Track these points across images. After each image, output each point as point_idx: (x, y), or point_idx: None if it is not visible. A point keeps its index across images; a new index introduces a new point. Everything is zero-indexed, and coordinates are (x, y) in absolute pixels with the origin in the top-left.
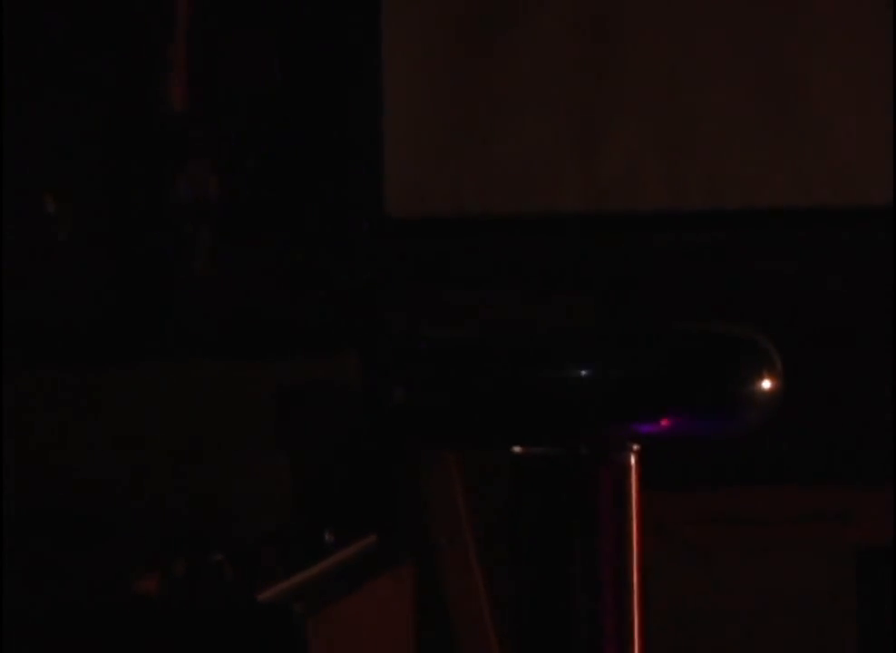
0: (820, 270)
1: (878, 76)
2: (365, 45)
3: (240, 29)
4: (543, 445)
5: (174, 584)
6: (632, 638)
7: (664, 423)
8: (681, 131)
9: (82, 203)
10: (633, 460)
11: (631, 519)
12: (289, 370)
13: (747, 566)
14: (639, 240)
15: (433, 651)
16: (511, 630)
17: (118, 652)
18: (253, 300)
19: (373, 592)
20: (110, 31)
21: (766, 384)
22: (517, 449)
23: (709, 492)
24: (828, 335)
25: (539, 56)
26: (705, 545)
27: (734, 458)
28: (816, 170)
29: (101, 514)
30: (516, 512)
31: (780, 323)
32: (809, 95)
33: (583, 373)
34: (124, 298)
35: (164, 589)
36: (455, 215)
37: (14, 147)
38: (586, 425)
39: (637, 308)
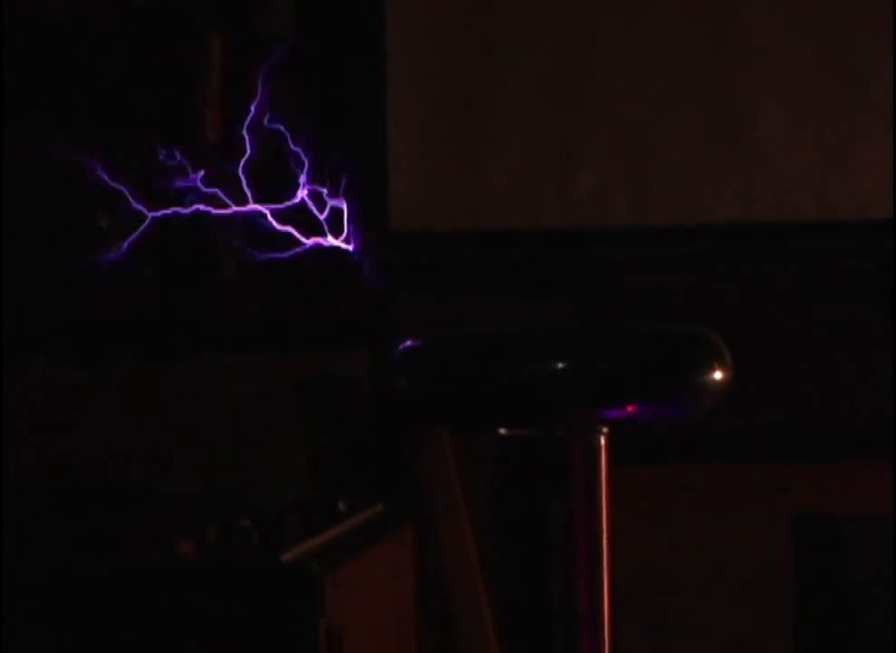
0: (763, 276)
1: (809, 114)
2: (374, 94)
3: (265, 72)
4: (525, 428)
5: (208, 547)
6: (602, 593)
7: (629, 409)
8: (642, 160)
9: (132, 219)
10: (602, 441)
11: (601, 491)
12: (307, 364)
13: (699, 531)
14: (607, 252)
15: (431, 603)
16: (498, 586)
17: (161, 606)
18: (276, 304)
19: (379, 553)
20: (158, 76)
21: (717, 374)
22: (502, 431)
23: (668, 467)
24: (772, 331)
25: (522, 99)
26: (663, 513)
27: (689, 437)
28: (758, 192)
29: (146, 487)
30: (501, 486)
31: (728, 322)
32: (751, 129)
33: (559, 366)
34: (166, 302)
35: (200, 551)
36: (450, 230)
37: (72, 171)
38: (562, 411)
39: (606, 311)
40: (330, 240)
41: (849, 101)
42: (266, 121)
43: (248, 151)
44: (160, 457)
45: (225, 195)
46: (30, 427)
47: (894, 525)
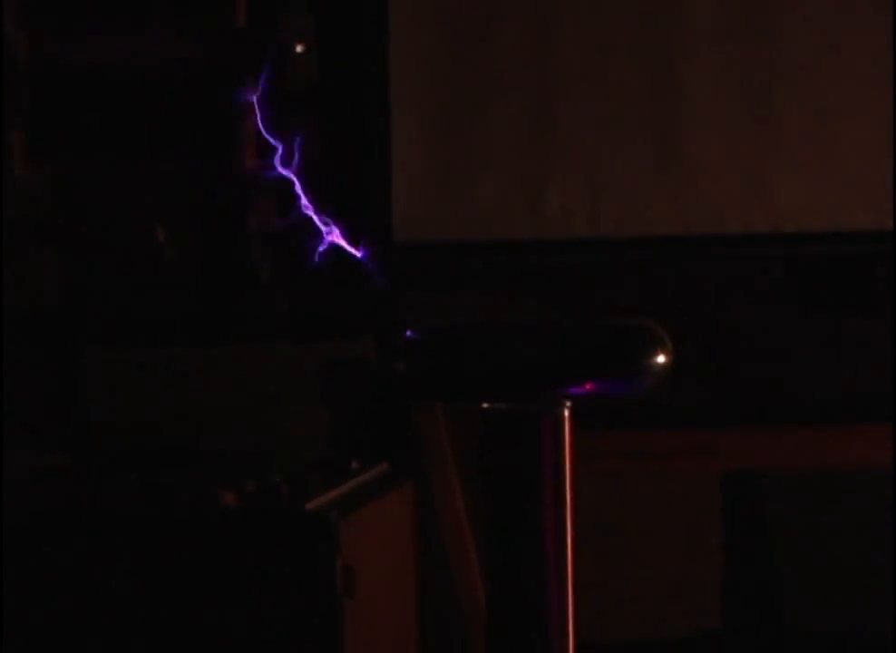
0: (696, 278)
1: (733, 149)
2: (379, 132)
3: (291, 115)
4: (503, 402)
5: (247, 498)
6: (565, 535)
7: (588, 387)
8: (598, 184)
9: (184, 233)
10: (566, 412)
11: (565, 453)
12: (328, 349)
13: (645, 485)
14: (570, 259)
15: (427, 546)
16: (482, 528)
17: (207, 546)
18: (302, 301)
19: (385, 503)
20: (203, 115)
21: (660, 358)
22: (485, 405)
23: (620, 433)
24: (704, 322)
25: (502, 134)
26: (616, 471)
27: (639, 408)
28: (691, 210)
29: (197, 449)
30: (484, 449)
31: (669, 315)
32: (686, 160)
33: (531, 352)
34: (213, 301)
35: (240, 502)
36: (442, 241)
37: (138, 195)
38: (533, 389)
39: (569, 307)
40: (346, 251)
41: (765, 137)
42: (293, 154)
43: (279, 180)
44: (209, 424)
45: (263, 215)
46: (106, 399)
47: (894, 480)
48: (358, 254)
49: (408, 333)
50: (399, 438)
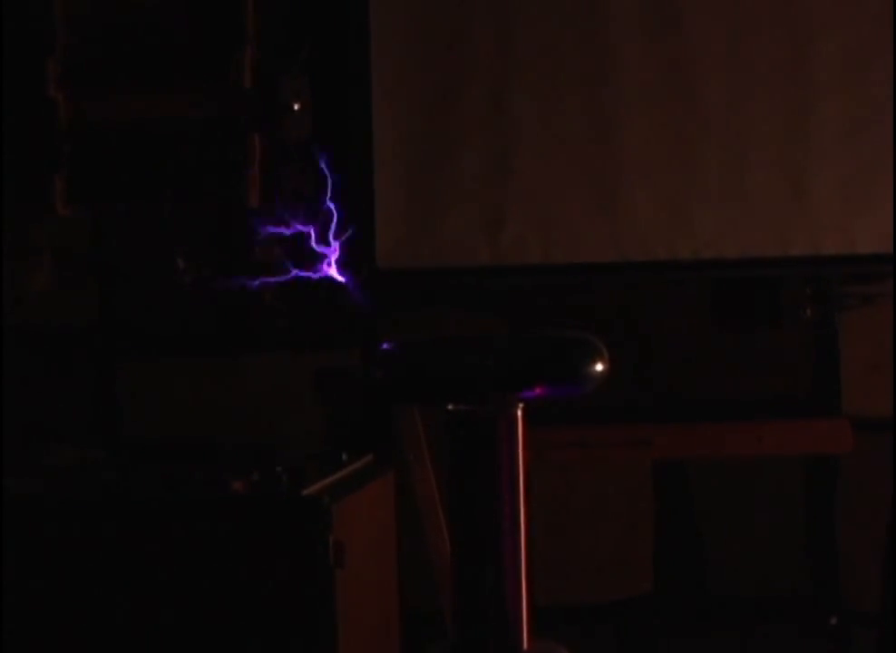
0: (629, 298)
1: (662, 192)
2: (363, 179)
3: (291, 162)
4: (465, 404)
5: (253, 486)
6: (519, 516)
7: (537, 391)
8: (547, 220)
9: (200, 262)
10: (520, 413)
11: (518, 446)
12: (323, 359)
13: (587, 472)
14: (524, 283)
15: (406, 527)
16: (451, 509)
17: (220, 526)
18: (301, 319)
19: (371, 489)
20: (215, 164)
21: (598, 366)
22: (450, 407)
23: (566, 428)
24: (633, 334)
25: (465, 180)
26: (562, 460)
27: (582, 407)
28: (625, 241)
29: (210, 444)
30: (451, 444)
31: (605, 330)
32: (621, 202)
33: (489, 362)
34: (224, 318)
35: (247, 489)
36: (418, 268)
37: (161, 230)
38: (491, 392)
39: (522, 323)
40: (336, 277)
41: (686, 180)
42: (290, 194)
43: (281, 216)
44: (220, 424)
45: (267, 247)
46: (135, 403)
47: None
48: (347, 279)
49: (384, 346)
50: (382, 434)
